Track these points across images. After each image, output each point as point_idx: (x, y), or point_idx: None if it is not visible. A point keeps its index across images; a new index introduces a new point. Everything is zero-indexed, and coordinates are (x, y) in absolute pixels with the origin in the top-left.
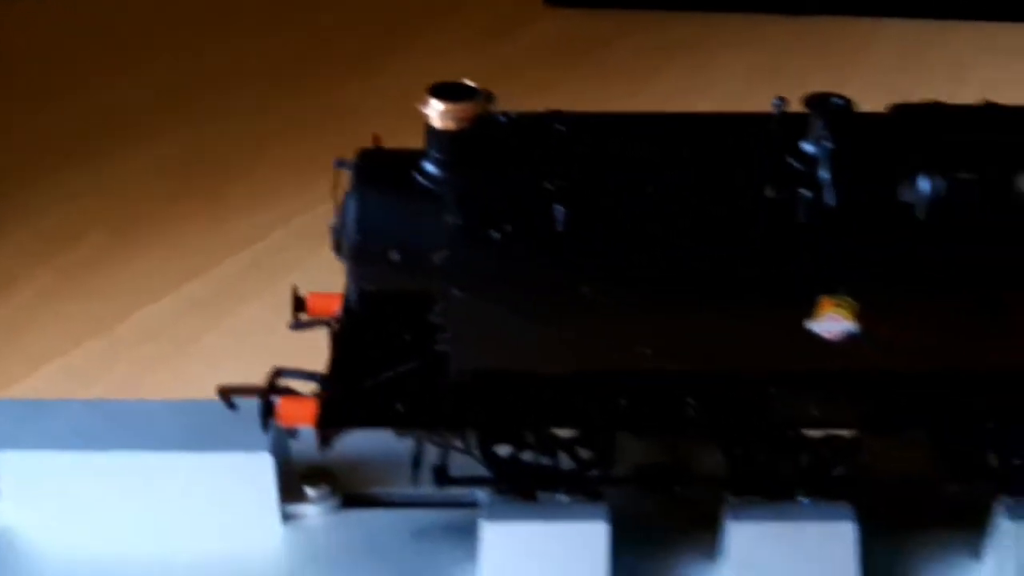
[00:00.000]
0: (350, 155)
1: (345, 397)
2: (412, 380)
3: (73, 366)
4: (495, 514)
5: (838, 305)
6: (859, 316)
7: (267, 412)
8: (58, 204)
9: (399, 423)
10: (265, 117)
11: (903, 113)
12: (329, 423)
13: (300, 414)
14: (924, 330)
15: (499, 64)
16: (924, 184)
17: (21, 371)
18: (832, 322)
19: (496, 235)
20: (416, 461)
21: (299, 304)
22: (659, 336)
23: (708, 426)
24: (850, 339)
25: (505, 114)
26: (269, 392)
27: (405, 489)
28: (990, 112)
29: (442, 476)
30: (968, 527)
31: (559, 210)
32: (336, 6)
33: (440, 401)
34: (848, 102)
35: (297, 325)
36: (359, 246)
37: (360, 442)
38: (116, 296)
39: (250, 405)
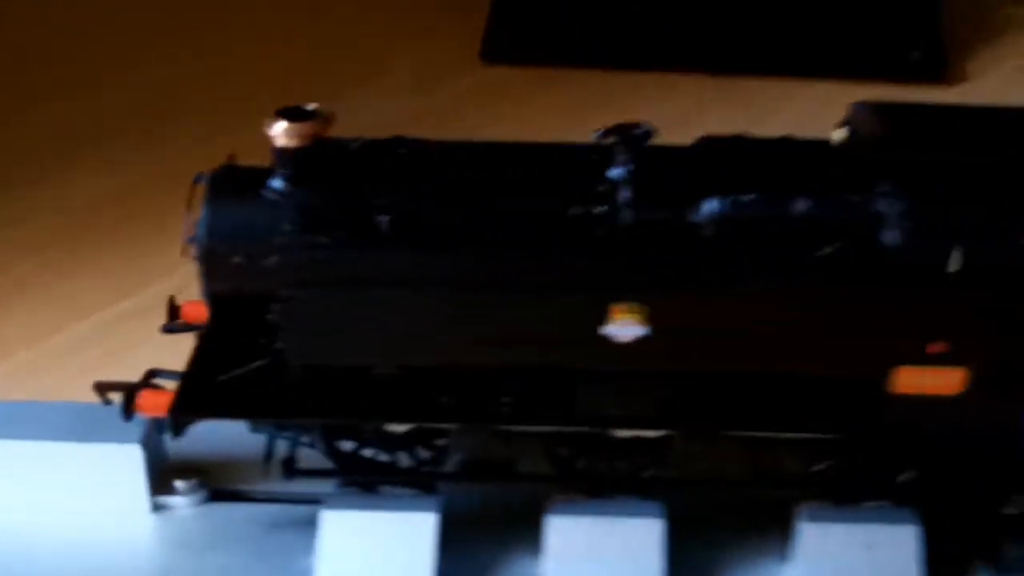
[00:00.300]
0: None
1: (195, 390)
2: (257, 375)
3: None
4: (334, 503)
5: (628, 311)
6: (648, 320)
7: (129, 403)
8: (16, 219)
9: (242, 414)
10: (209, 149)
11: (706, 143)
12: (179, 412)
13: (156, 405)
14: (708, 335)
15: (429, 112)
16: (709, 204)
17: None
18: (624, 326)
19: (324, 240)
20: (268, 455)
21: (174, 311)
22: (474, 336)
23: (521, 423)
24: (641, 342)
25: (356, 139)
26: (135, 387)
27: (267, 486)
28: (784, 144)
29: (289, 468)
30: (779, 531)
31: (383, 220)
32: (278, 53)
33: (279, 395)
34: (648, 130)
35: (168, 329)
36: (208, 251)
37: (230, 442)
38: (57, 308)
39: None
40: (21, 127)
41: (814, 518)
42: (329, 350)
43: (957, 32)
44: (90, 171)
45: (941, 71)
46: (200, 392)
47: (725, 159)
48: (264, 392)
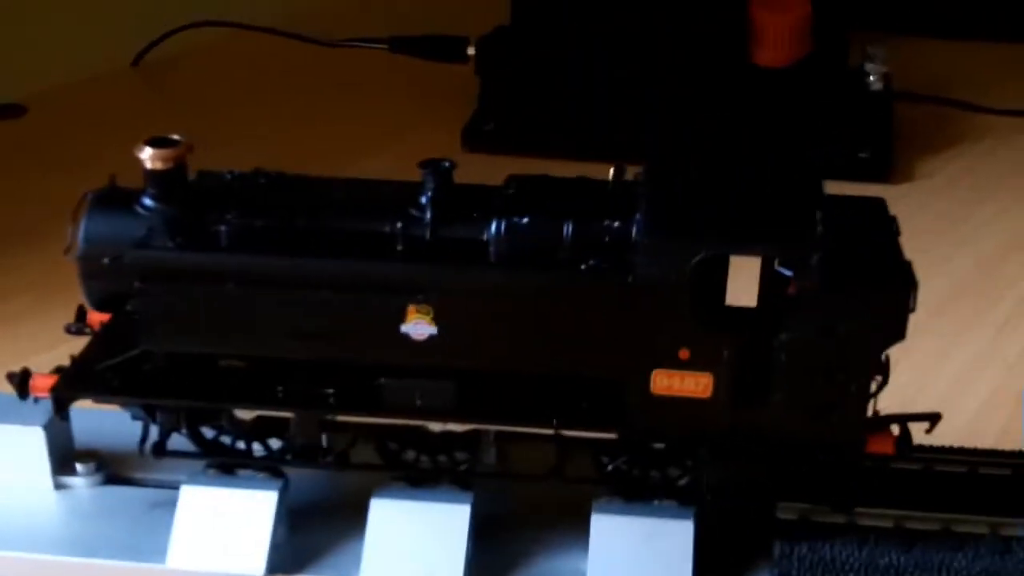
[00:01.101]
0: None
1: (76, 375)
2: (129, 364)
3: None
4: (191, 480)
5: (420, 311)
6: (438, 321)
7: (23, 385)
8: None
9: (108, 395)
10: None
11: (513, 179)
12: (59, 392)
13: (42, 386)
14: (489, 336)
15: None
16: (491, 225)
17: None
18: (417, 325)
19: (168, 243)
20: (143, 439)
21: (81, 314)
22: (298, 332)
23: (340, 412)
24: (432, 339)
25: (230, 171)
26: (28, 372)
27: (153, 474)
28: (577, 182)
29: (159, 450)
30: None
31: (222, 230)
32: (270, 135)
33: (141, 380)
34: (451, 163)
35: (68, 329)
36: (84, 254)
37: (126, 435)
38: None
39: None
40: None
41: (604, 510)
42: (175, 339)
43: (907, 135)
44: None
45: (886, 170)
46: (80, 377)
47: (521, 192)
48: (129, 378)
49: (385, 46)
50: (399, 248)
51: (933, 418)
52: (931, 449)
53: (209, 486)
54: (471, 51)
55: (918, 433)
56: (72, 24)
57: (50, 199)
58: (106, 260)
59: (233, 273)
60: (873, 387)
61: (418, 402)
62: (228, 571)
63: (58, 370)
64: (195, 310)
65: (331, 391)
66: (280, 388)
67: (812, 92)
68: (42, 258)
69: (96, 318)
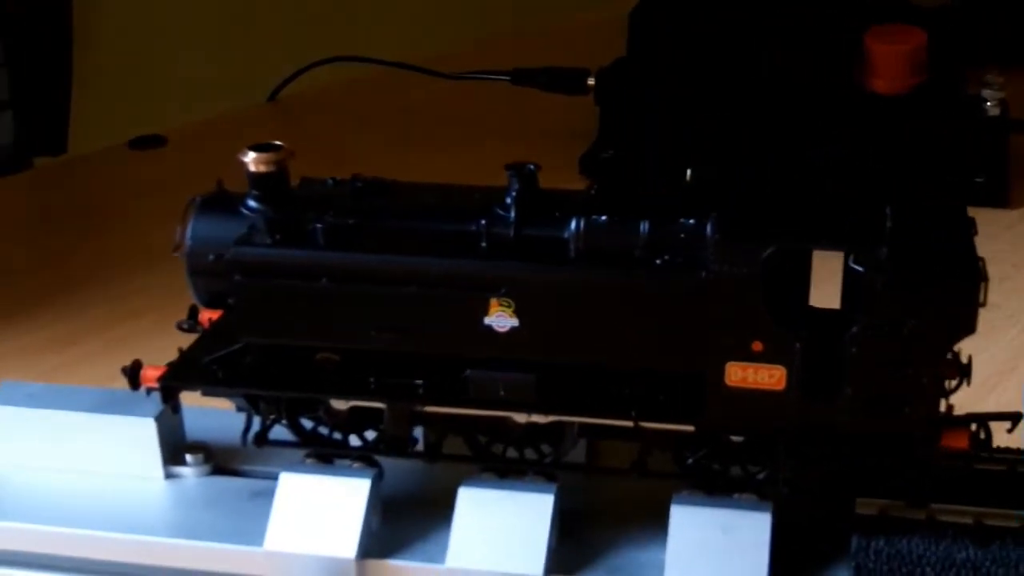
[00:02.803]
0: None
1: (183, 366)
2: (231, 357)
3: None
4: (290, 469)
5: (502, 305)
6: (519, 314)
7: (135, 376)
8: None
9: (213, 385)
10: None
11: (597, 182)
12: (166, 381)
13: (151, 377)
14: (570, 330)
15: None
16: (571, 223)
17: None
18: (500, 317)
19: (267, 240)
20: (246, 429)
21: (193, 312)
22: (382, 326)
23: (429, 403)
24: (513, 332)
25: (332, 178)
26: (135, 364)
27: (258, 466)
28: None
29: (261, 439)
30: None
31: (318, 228)
32: (395, 168)
33: (241, 372)
34: (536, 167)
35: (180, 326)
36: (191, 253)
37: (234, 431)
38: None
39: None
40: None
41: (683, 502)
42: (272, 332)
43: (1022, 162)
44: None
45: (1003, 195)
46: (186, 368)
47: (602, 193)
48: (232, 370)
49: (507, 78)
50: (483, 245)
51: (1014, 417)
52: (1016, 451)
53: (306, 474)
54: (591, 82)
55: (1001, 434)
56: (212, 62)
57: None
58: (211, 257)
59: (326, 269)
60: (951, 385)
61: (501, 393)
62: (322, 554)
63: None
64: (290, 304)
65: (420, 383)
66: (372, 380)
67: (928, 118)
68: (150, 290)
69: (207, 316)
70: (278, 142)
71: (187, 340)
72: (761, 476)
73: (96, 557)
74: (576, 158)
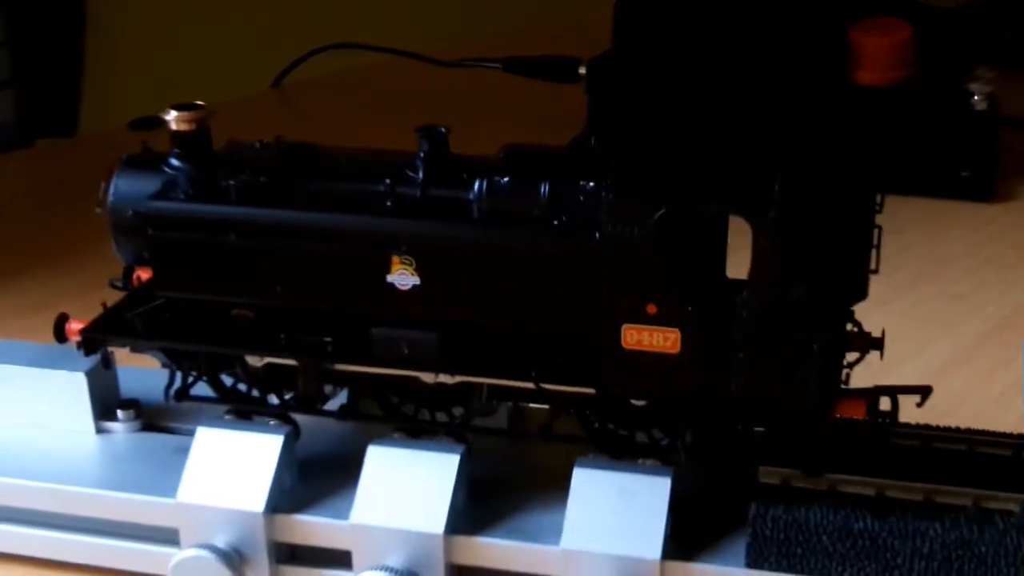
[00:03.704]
0: None
1: (104, 320)
2: (152, 312)
3: None
4: (207, 424)
5: (404, 262)
6: (420, 272)
7: (60, 330)
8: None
9: (131, 338)
10: None
11: (507, 147)
12: (87, 334)
13: (74, 331)
14: (471, 291)
15: None
16: (475, 184)
17: None
18: (401, 275)
19: (180, 196)
20: (168, 385)
21: (127, 272)
22: (287, 281)
23: (339, 360)
24: (415, 290)
25: (260, 141)
26: (59, 318)
27: (186, 424)
28: (568, 149)
29: (182, 395)
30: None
31: (230, 184)
32: None
33: (160, 327)
34: (446, 130)
35: (113, 284)
36: (112, 209)
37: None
38: None
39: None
40: None
41: (584, 465)
42: (184, 287)
43: (1010, 158)
44: None
45: (989, 190)
46: (109, 322)
47: (510, 157)
48: (151, 325)
49: (499, 66)
50: (389, 204)
51: (924, 391)
52: (934, 428)
53: (222, 429)
54: (582, 71)
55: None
56: (217, 48)
57: None
58: (129, 213)
59: (235, 224)
60: (854, 357)
61: (405, 351)
62: (231, 507)
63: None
64: (201, 259)
65: (328, 340)
66: (282, 336)
67: (915, 111)
68: None
69: (139, 275)
70: (200, 102)
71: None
72: (664, 442)
73: (24, 506)
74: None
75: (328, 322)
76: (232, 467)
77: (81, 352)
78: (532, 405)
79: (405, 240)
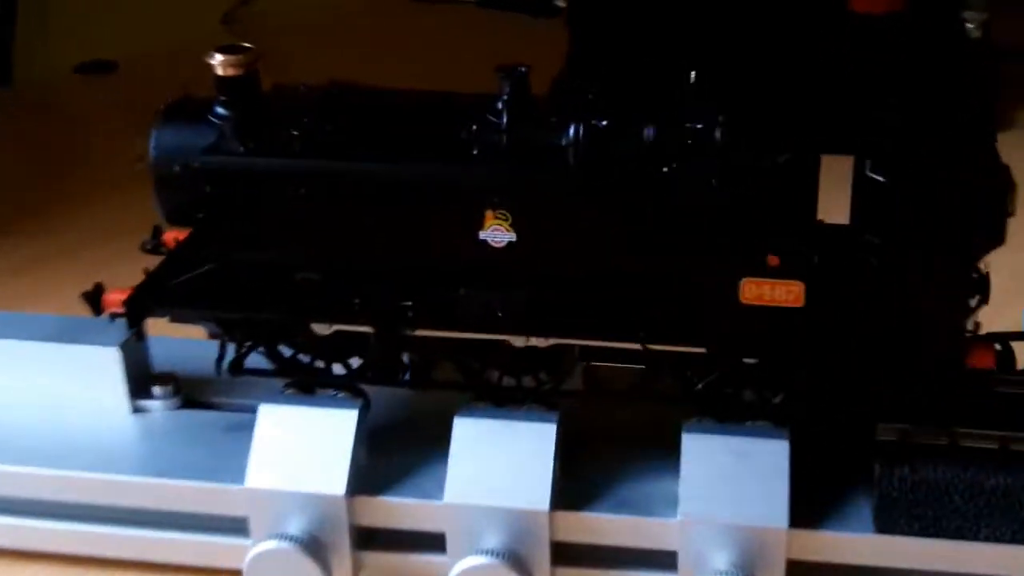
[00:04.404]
0: None
1: (150, 289)
2: (202, 278)
3: None
4: (270, 400)
5: (498, 217)
6: (516, 227)
7: (96, 300)
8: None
9: (182, 308)
10: None
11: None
12: (132, 305)
13: (115, 301)
14: (572, 246)
15: None
16: (570, 129)
17: None
18: (495, 231)
19: (239, 148)
20: (220, 357)
21: (156, 232)
22: (374, 242)
23: (422, 327)
24: (511, 247)
25: (304, 84)
26: (96, 288)
27: (231, 398)
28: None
29: (236, 368)
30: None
31: (293, 134)
32: None
33: (215, 294)
34: (527, 69)
35: (144, 247)
36: (156, 164)
37: (205, 362)
38: None
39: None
40: None
41: (695, 430)
42: (247, 250)
43: (1005, 85)
44: None
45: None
46: (153, 291)
47: (601, 96)
48: (204, 293)
49: (473, 1)
50: (475, 153)
51: None
52: None
53: (288, 405)
54: (561, 3)
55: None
56: None
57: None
58: (176, 167)
59: (305, 178)
60: (973, 303)
61: (499, 314)
62: (309, 491)
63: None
64: (266, 218)
65: (408, 304)
66: (357, 302)
67: (909, 38)
68: (128, 209)
69: (172, 236)
70: (247, 44)
71: (152, 263)
72: (776, 400)
73: (59, 499)
74: (542, 83)
75: (404, 285)
76: (304, 447)
77: (108, 320)
78: (610, 364)
79: (501, 192)
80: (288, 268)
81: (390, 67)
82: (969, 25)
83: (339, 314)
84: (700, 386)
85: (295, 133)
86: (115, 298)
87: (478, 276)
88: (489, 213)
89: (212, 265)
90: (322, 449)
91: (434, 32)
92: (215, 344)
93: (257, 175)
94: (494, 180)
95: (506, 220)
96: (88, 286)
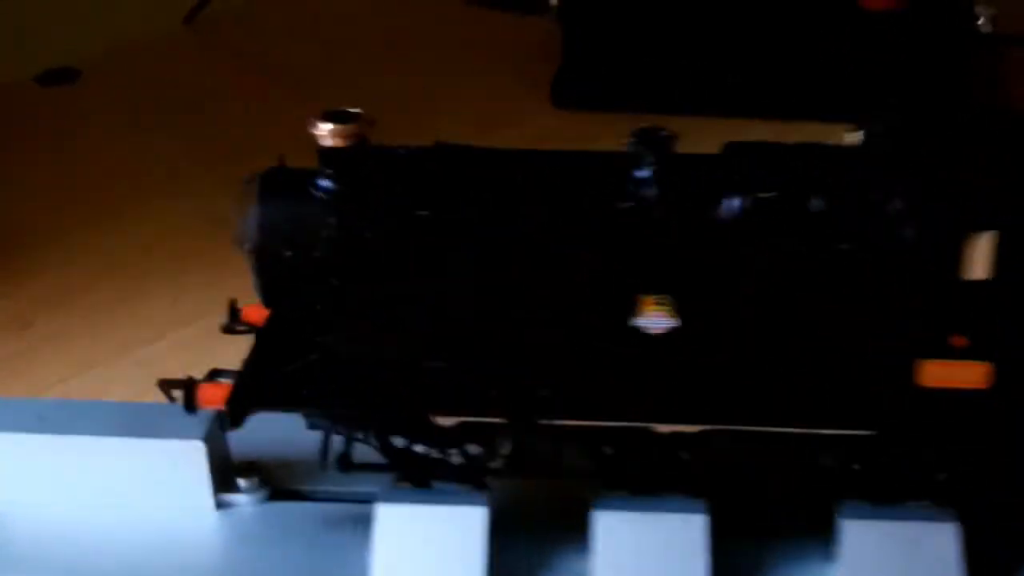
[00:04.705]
0: None
1: (252, 383)
2: (311, 369)
3: (71, 392)
4: (388, 497)
5: (657, 303)
6: (678, 313)
7: (190, 396)
8: (71, 260)
9: (295, 405)
10: None
11: (732, 148)
12: (236, 404)
13: (214, 397)
14: (736, 327)
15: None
16: (731, 201)
17: (26, 394)
18: (654, 318)
19: (368, 234)
20: (324, 451)
21: (234, 313)
22: (515, 329)
23: (560, 416)
24: (672, 333)
25: (402, 146)
26: (196, 381)
27: (325, 486)
28: (805, 149)
29: (345, 463)
30: (822, 528)
31: (423, 216)
32: (340, 91)
33: (330, 387)
34: (671, 134)
35: (227, 329)
36: (257, 246)
37: (289, 444)
38: (116, 338)
39: None
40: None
41: (855, 515)
42: (375, 342)
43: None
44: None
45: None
46: (256, 385)
47: (748, 162)
48: (316, 385)
49: None
50: (628, 231)
51: None
52: None
53: (409, 504)
54: (553, 1)
55: None
56: None
57: (111, 164)
58: (288, 253)
59: (444, 264)
60: None
61: (651, 403)
62: None
63: (213, 374)
64: (400, 307)
65: (547, 392)
66: (492, 390)
67: (920, 34)
68: (99, 226)
69: (253, 314)
70: (356, 109)
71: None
72: (941, 478)
73: None
74: (537, 83)
75: (542, 371)
76: (430, 549)
77: (173, 407)
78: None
79: (664, 277)
80: (412, 355)
81: (369, 66)
82: (980, 20)
83: (473, 405)
84: (857, 466)
85: (425, 215)
86: (213, 394)
87: (631, 362)
88: (648, 299)
89: (321, 353)
90: (454, 550)
91: (416, 30)
92: (291, 420)
93: (396, 264)
94: (657, 263)
95: (668, 305)
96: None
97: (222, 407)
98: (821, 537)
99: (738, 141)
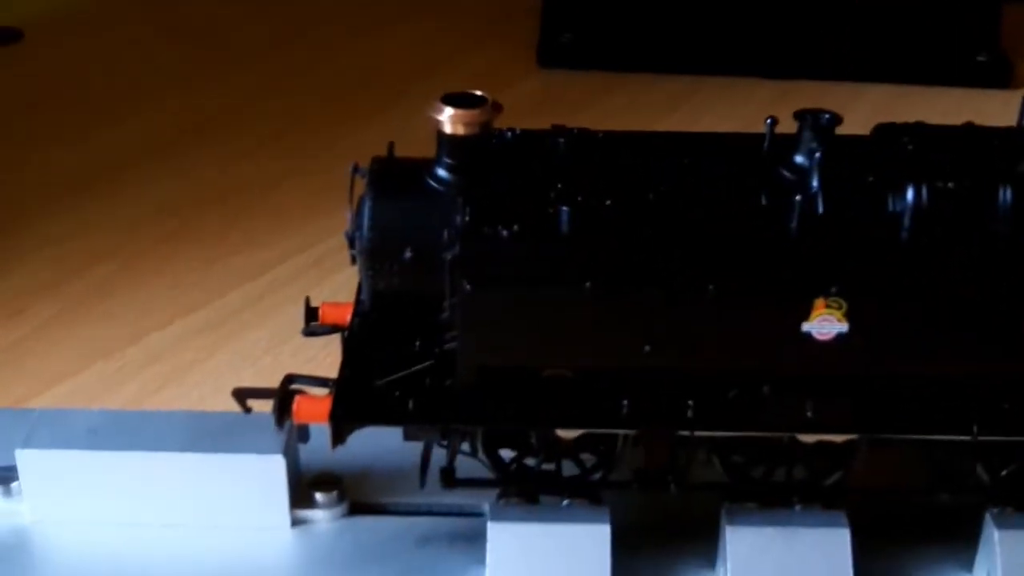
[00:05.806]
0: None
1: (358, 395)
2: (423, 378)
3: (81, 386)
4: (500, 516)
5: (830, 306)
6: (848, 317)
7: (283, 410)
8: (69, 237)
9: (409, 420)
10: (268, 163)
11: (885, 131)
12: (342, 419)
13: (315, 412)
14: (910, 333)
15: None
16: (908, 193)
17: (33, 390)
18: (824, 323)
19: (504, 233)
20: (424, 464)
21: (311, 313)
22: (658, 336)
23: (705, 428)
24: (840, 339)
25: (511, 129)
26: (288, 394)
27: (410, 498)
28: (969, 132)
29: (448, 478)
30: (960, 539)
31: (564, 211)
32: (331, 62)
33: (445, 399)
34: (835, 116)
35: (309, 332)
36: (373, 246)
37: (367, 452)
38: (123, 322)
39: (260, 413)
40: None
41: (1004, 524)
42: (503, 350)
43: (1017, 40)
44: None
45: (1007, 74)
46: (361, 397)
47: (907, 146)
48: (430, 396)
49: None
50: (793, 227)
51: None
52: None
53: (523, 522)
54: None
55: None
56: None
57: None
58: (408, 254)
59: (586, 270)
60: None
61: (809, 414)
62: None
63: (288, 381)
64: (531, 314)
65: (690, 404)
66: (626, 403)
67: None
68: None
69: (331, 313)
70: (479, 92)
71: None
72: None
73: None
74: (524, 43)
75: (673, 379)
76: (549, 570)
77: (241, 416)
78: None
79: (838, 277)
80: (535, 364)
81: (349, 32)
82: None
83: (606, 419)
84: (1006, 474)
85: (565, 210)
86: (313, 409)
87: (790, 372)
88: (820, 301)
89: (430, 363)
90: (577, 571)
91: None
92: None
93: (533, 266)
94: (830, 263)
95: (840, 308)
96: None
97: (324, 422)
98: (964, 547)
99: (889, 123)
